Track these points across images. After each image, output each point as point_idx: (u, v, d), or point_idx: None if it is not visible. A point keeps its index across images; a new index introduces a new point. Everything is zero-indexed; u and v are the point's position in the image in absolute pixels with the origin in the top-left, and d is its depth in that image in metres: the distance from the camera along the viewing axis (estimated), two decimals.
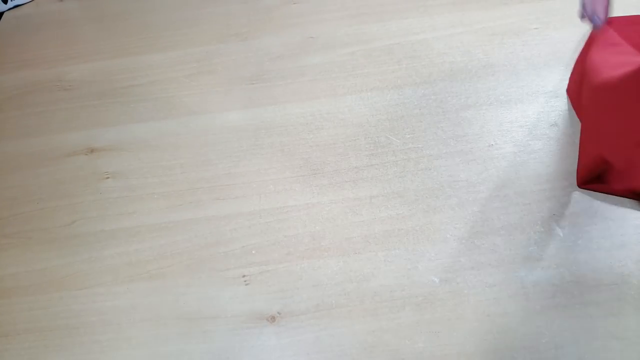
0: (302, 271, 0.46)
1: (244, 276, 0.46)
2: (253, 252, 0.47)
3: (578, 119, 0.53)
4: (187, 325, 0.44)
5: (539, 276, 0.43)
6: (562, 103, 0.55)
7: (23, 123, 0.62)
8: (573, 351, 0.39)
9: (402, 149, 0.54)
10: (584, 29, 0.62)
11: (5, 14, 0.78)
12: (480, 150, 0.53)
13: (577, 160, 0.50)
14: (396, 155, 0.53)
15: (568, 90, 0.56)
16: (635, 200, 0.46)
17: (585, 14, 0.48)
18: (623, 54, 0.49)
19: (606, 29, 0.51)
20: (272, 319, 0.43)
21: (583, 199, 0.48)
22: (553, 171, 0.50)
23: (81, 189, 0.54)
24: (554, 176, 0.50)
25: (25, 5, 0.79)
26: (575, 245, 0.45)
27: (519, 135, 0.53)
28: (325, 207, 0.50)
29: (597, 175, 0.48)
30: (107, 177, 0.55)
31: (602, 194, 0.47)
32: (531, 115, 0.55)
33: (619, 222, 0.46)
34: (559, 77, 0.58)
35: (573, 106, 0.54)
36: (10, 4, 0.78)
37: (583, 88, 0.51)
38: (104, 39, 0.71)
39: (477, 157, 0.52)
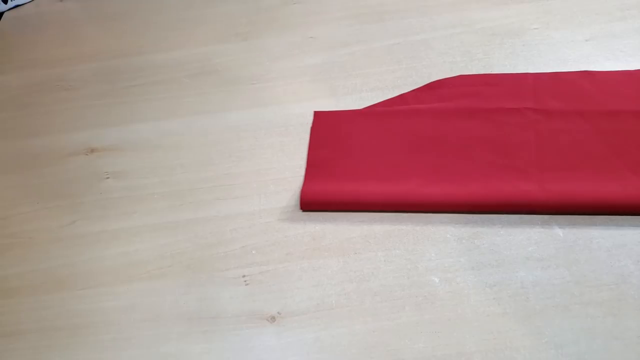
0: (302, 271, 0.46)
1: (244, 276, 0.46)
2: (253, 252, 0.48)
3: None
4: (187, 325, 0.44)
5: (539, 276, 0.43)
6: None
7: (24, 123, 0.62)
8: (573, 351, 0.39)
9: None
10: (584, 29, 0.62)
11: (5, 14, 0.78)
12: None
13: None
14: None
15: None
16: None
17: None
18: None
19: None
20: (272, 319, 0.43)
21: None
22: None
23: (82, 189, 0.55)
24: None
25: (25, 5, 0.79)
26: (575, 245, 0.45)
27: None
28: None
29: None
30: (108, 177, 0.55)
31: None
32: None
33: (619, 222, 0.46)
34: None
35: None
36: (10, 4, 0.78)
37: None
38: (105, 39, 0.71)
39: None
